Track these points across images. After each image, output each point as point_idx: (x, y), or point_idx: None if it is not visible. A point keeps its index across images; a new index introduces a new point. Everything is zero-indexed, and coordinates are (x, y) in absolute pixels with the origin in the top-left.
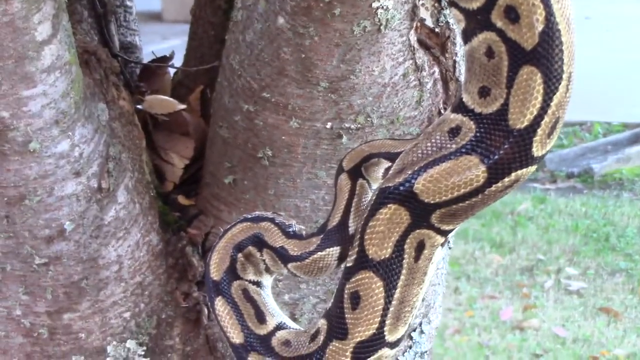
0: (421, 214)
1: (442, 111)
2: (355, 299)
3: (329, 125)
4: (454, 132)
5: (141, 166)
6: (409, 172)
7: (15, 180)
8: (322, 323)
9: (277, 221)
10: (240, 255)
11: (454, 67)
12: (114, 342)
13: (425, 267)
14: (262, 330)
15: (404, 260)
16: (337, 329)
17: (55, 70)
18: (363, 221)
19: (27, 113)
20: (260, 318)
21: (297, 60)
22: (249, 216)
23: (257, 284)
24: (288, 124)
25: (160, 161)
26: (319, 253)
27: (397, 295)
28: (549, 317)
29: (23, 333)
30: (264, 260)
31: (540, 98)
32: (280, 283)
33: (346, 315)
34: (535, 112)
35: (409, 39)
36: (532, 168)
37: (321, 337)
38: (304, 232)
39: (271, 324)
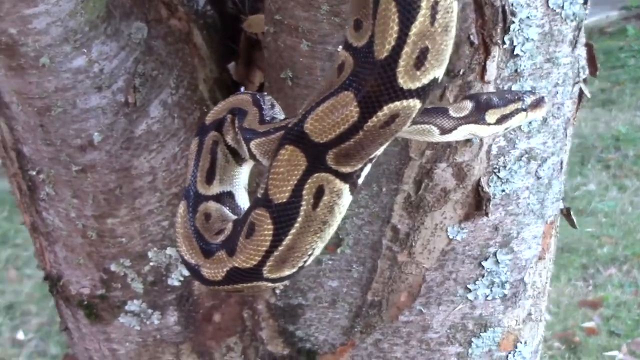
0: (316, 155)
1: (472, 37)
2: (251, 230)
3: (339, 48)
4: (340, 68)
5: (192, 83)
6: (303, 112)
7: (39, 92)
8: (230, 226)
9: (264, 111)
10: (229, 116)
11: None
12: (155, 249)
13: (325, 215)
14: (203, 189)
15: (301, 207)
16: (231, 243)
17: None
18: (270, 161)
19: (32, 30)
20: (209, 177)
21: None
22: (257, 95)
23: (231, 150)
24: (300, 46)
25: (245, 80)
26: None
27: (285, 242)
28: None
29: (80, 234)
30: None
31: (396, 27)
32: None
33: (239, 238)
34: (393, 42)
35: None
36: (408, 102)
37: (221, 238)
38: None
39: (214, 189)
